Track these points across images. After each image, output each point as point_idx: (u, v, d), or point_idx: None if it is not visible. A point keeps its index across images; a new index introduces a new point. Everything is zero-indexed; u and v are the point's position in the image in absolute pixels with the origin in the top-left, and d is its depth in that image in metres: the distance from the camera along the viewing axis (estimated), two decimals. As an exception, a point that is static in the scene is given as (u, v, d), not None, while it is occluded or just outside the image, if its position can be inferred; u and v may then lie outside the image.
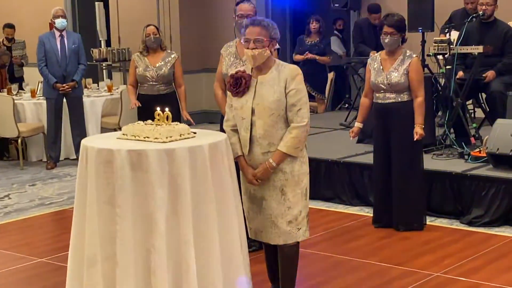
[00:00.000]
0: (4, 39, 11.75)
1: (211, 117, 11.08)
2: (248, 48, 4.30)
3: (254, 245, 4.97)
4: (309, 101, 11.06)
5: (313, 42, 10.73)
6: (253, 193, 4.42)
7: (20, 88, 10.93)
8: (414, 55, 6.30)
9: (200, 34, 12.21)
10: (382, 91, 6.29)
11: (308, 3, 12.20)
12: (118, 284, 4.08)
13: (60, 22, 9.33)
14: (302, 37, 10.86)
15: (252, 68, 4.37)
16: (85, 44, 9.96)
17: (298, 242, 4.44)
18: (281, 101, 4.26)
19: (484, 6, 8.14)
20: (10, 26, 12.11)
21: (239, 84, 4.32)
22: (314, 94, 10.71)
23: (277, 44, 4.45)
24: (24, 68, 12.07)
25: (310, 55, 10.53)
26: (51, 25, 9.61)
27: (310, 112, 10.58)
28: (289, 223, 4.34)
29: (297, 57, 10.64)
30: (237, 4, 5.84)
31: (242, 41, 4.43)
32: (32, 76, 10.89)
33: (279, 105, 4.26)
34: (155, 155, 4.05)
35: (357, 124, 6.55)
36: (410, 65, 6.19)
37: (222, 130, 5.10)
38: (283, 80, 4.28)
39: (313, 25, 10.80)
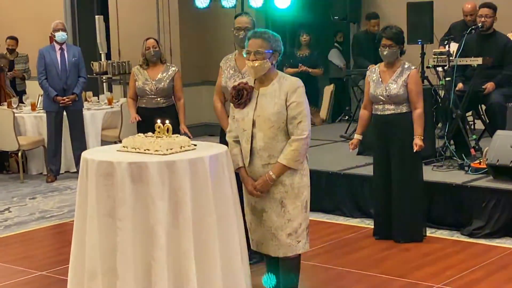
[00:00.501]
0: (6, 52, 11.75)
1: (211, 130, 11.06)
2: (249, 60, 4.31)
3: (255, 257, 4.96)
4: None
5: (304, 55, 10.75)
6: (254, 205, 4.42)
7: (21, 101, 10.94)
8: (413, 67, 6.31)
9: (200, 47, 12.24)
10: (381, 103, 6.30)
11: (308, 16, 12.21)
12: (119, 297, 4.09)
13: (60, 36, 9.34)
14: (292, 50, 10.89)
15: (254, 80, 4.38)
16: (85, 57, 9.98)
17: (299, 255, 4.43)
18: (282, 114, 4.27)
19: (483, 18, 8.17)
20: (12, 37, 12.17)
21: (240, 96, 4.33)
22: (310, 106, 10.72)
23: (279, 56, 4.45)
24: (27, 82, 12.07)
25: (304, 68, 10.54)
26: (51, 39, 9.63)
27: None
28: (289, 235, 4.33)
29: (289, 70, 10.63)
30: (236, 17, 5.87)
31: (243, 53, 4.43)
32: (34, 89, 10.89)
33: (280, 117, 4.26)
34: (156, 167, 4.05)
35: (357, 136, 6.56)
36: (409, 77, 6.20)
37: (222, 142, 5.12)
38: (284, 93, 4.28)
39: (304, 38, 10.84)
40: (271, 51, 4.32)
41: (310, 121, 4.41)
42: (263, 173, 4.29)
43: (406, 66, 6.28)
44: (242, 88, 4.35)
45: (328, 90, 11.20)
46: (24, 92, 11.87)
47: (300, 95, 4.30)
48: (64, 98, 9.25)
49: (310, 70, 10.57)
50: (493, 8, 8.28)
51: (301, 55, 10.75)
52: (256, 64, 4.28)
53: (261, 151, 4.31)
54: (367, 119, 6.50)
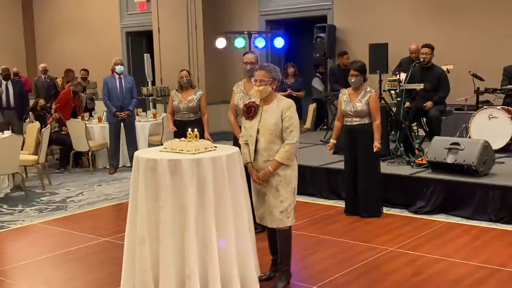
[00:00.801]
0: (81, 80, 11.79)
1: (227, 136, 11.05)
2: (255, 85, 4.35)
3: (259, 228, 4.97)
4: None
5: (290, 82, 10.72)
6: (258, 190, 4.42)
7: (90, 115, 11.00)
8: (373, 91, 6.30)
9: (219, 76, 12.24)
10: (349, 116, 6.30)
11: (297, 53, 12.23)
12: (161, 257, 4.09)
13: (119, 68, 9.37)
14: (282, 79, 10.88)
15: (260, 100, 4.40)
16: (137, 84, 10.00)
17: (289, 227, 4.42)
18: (278, 125, 4.28)
19: (424, 55, 8.18)
20: (85, 69, 12.22)
21: (250, 111, 4.36)
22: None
23: (278, 83, 4.46)
24: (95, 102, 12.09)
25: (290, 92, 10.47)
26: (113, 70, 9.64)
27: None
28: (281, 212, 4.33)
29: (280, 93, 10.57)
30: (244, 54, 5.90)
31: (252, 81, 4.45)
32: (101, 107, 10.92)
33: (277, 127, 4.28)
34: (187, 163, 4.07)
35: (332, 140, 6.56)
36: (370, 97, 6.20)
37: (234, 144, 5.13)
38: (281, 110, 4.30)
39: (290, 70, 10.82)
40: (271, 79, 4.34)
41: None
42: (264, 167, 4.30)
43: (368, 89, 6.28)
44: (251, 105, 4.38)
45: (312, 107, 11.18)
46: (93, 109, 11.89)
47: (292, 111, 4.31)
48: (122, 113, 9.28)
49: (295, 93, 10.55)
50: (431, 48, 8.29)
51: (288, 82, 10.73)
52: (261, 88, 4.31)
53: (263, 151, 4.32)
54: (339, 128, 6.50)
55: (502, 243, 5.42)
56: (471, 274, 4.67)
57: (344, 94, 6.40)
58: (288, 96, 10.36)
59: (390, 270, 4.79)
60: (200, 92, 7.47)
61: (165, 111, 11.54)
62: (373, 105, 6.19)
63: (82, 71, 12.03)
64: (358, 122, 6.27)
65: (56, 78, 12.22)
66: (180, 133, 6.60)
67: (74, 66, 13.14)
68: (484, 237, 5.60)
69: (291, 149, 4.25)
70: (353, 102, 6.27)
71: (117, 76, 9.41)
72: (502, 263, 4.88)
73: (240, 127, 5.64)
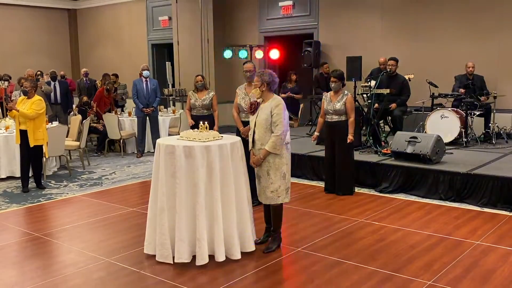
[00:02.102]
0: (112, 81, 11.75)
1: (231, 129, 11.04)
2: (254, 88, 4.36)
3: (255, 202, 4.98)
4: (290, 120, 11.01)
5: (291, 86, 10.69)
6: (256, 173, 4.41)
7: (122, 111, 10.96)
8: (349, 94, 6.29)
9: (226, 81, 12.21)
10: (330, 114, 6.29)
11: (289, 63, 12.17)
12: (177, 223, 4.11)
13: (145, 73, 9.32)
14: (285, 83, 10.84)
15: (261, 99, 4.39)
16: (160, 85, 9.96)
17: (281, 204, 4.40)
18: (268, 120, 4.25)
19: (390, 66, 8.20)
20: (115, 74, 12.15)
21: (252, 107, 4.35)
22: (292, 116, 10.73)
23: (270, 85, 4.40)
24: (126, 100, 12.04)
25: (290, 94, 10.52)
26: (140, 74, 9.61)
27: (290, 127, 10.57)
28: (271, 192, 4.32)
29: (282, 95, 10.60)
30: (244, 64, 5.89)
31: (252, 84, 4.44)
32: (130, 104, 10.91)
33: (267, 122, 4.24)
34: (199, 149, 4.07)
35: (316, 133, 6.55)
36: (346, 99, 6.19)
37: (237, 135, 5.13)
38: (271, 107, 4.26)
39: (292, 77, 10.78)
40: (260, 82, 4.30)
41: (288, 125, 4.38)
42: (258, 154, 4.31)
43: (345, 92, 6.26)
44: (253, 103, 4.36)
45: (300, 107, 11.11)
46: (124, 106, 11.87)
47: (279, 109, 4.24)
48: (147, 109, 9.26)
49: (295, 96, 10.56)
50: (396, 60, 8.30)
51: (289, 86, 10.71)
52: (257, 90, 4.32)
53: (257, 141, 4.31)
54: (322, 123, 6.49)
55: (449, 217, 5.44)
56: (424, 241, 4.68)
57: (326, 96, 6.39)
58: (287, 97, 10.42)
59: (359, 237, 4.81)
60: (212, 93, 7.43)
61: (183, 108, 11.56)
62: (349, 105, 6.18)
63: (112, 76, 11.97)
64: (337, 119, 6.26)
65: (96, 81, 12.19)
66: (195, 125, 6.59)
67: (109, 70, 13.13)
68: (435, 212, 5.61)
69: (276, 140, 4.21)
70: (333, 103, 6.25)
71: (144, 79, 9.36)
72: (449, 232, 4.91)
73: (242, 121, 5.66)
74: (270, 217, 4.52)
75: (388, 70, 8.22)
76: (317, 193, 6.55)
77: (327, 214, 5.59)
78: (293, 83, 10.74)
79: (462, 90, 8.33)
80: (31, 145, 6.67)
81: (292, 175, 7.34)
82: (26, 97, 6.73)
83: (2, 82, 10.43)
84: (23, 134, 6.64)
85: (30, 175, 7.03)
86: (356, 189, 6.57)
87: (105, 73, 11.69)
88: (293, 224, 5.26)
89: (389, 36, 10.16)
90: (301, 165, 7.50)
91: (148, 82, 9.39)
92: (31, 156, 6.82)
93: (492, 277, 3.86)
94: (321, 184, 6.86)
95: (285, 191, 4.36)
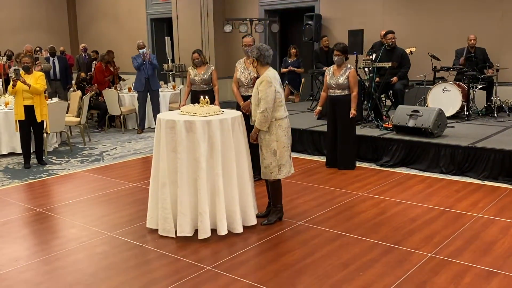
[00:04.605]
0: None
1: (232, 104, 11.01)
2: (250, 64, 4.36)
3: (257, 176, 4.98)
4: (290, 95, 10.93)
5: (292, 61, 10.60)
6: (257, 148, 4.43)
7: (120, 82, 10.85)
8: (352, 68, 6.24)
9: (225, 55, 12.11)
10: (333, 88, 6.25)
11: (289, 37, 12.05)
12: (179, 198, 4.12)
13: (141, 51, 9.14)
14: (285, 58, 10.74)
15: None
16: (159, 61, 9.87)
17: (278, 180, 4.39)
18: (256, 96, 4.21)
19: (390, 40, 8.12)
20: (110, 51, 11.87)
21: (252, 82, 4.33)
22: (293, 91, 10.67)
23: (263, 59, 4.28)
24: (125, 76, 11.92)
25: (291, 68, 10.44)
26: (138, 51, 9.49)
27: (291, 102, 10.45)
28: (265, 167, 4.32)
29: (283, 70, 10.53)
30: (243, 37, 5.84)
31: (249, 60, 4.40)
32: (131, 79, 10.83)
33: (255, 97, 4.21)
34: (200, 123, 4.06)
35: (318, 107, 6.53)
36: (349, 73, 6.14)
37: (237, 109, 5.10)
38: (259, 83, 4.21)
39: (292, 50, 10.67)
40: (253, 58, 4.25)
41: (281, 101, 4.25)
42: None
43: (348, 66, 6.21)
44: (254, 79, 4.35)
45: (302, 82, 11.04)
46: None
47: (263, 85, 4.14)
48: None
49: (296, 70, 10.47)
50: (394, 33, 8.24)
51: (290, 61, 10.60)
52: (252, 65, 4.31)
53: (253, 116, 4.31)
54: (325, 97, 6.45)
55: (450, 190, 5.45)
56: (424, 214, 4.70)
57: (329, 70, 6.33)
58: (289, 72, 10.35)
59: (360, 210, 4.83)
60: (212, 67, 7.37)
61: (183, 84, 11.50)
62: (352, 80, 6.13)
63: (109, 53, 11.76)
64: (340, 93, 6.22)
65: (93, 57, 12.03)
66: (194, 100, 6.56)
67: (107, 45, 13.04)
68: (436, 186, 5.63)
69: (260, 117, 4.16)
70: (336, 77, 6.20)
71: (141, 55, 9.25)
72: (450, 206, 4.92)
73: (242, 96, 5.62)
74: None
75: (390, 43, 8.14)
76: (318, 168, 6.55)
77: (328, 188, 5.61)
78: (293, 57, 10.65)
79: (462, 60, 8.28)
80: (39, 120, 6.70)
81: (293, 150, 7.42)
82: (27, 73, 6.67)
83: (1, 58, 10.34)
84: (28, 110, 6.63)
85: (31, 151, 7.04)
86: (357, 164, 6.57)
87: (108, 50, 11.58)
88: (294, 198, 5.27)
89: (391, 9, 10.02)
90: (302, 140, 7.49)
91: (146, 57, 9.21)
92: (34, 132, 6.82)
93: (493, 249, 3.88)
94: (322, 159, 6.86)
95: (277, 168, 4.31)
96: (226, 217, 4.17)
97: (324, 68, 7.85)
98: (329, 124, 6.47)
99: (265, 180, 4.55)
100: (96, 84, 9.97)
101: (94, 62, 11.63)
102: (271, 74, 4.21)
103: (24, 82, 6.47)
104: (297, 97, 10.69)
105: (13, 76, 6.48)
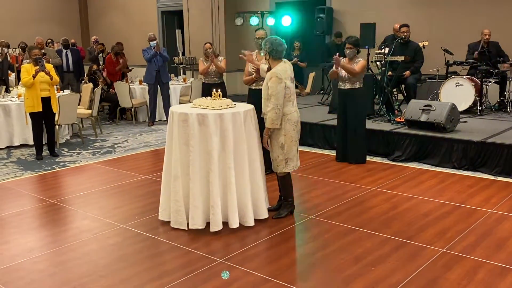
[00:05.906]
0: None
1: (242, 98, 11.04)
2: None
3: (269, 169, 4.99)
4: (295, 88, 10.95)
5: (296, 54, 10.54)
6: (269, 142, 4.44)
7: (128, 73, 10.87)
8: (363, 59, 6.18)
9: (236, 48, 12.05)
10: (343, 81, 6.21)
11: (301, 30, 11.99)
12: (191, 190, 4.13)
13: (152, 43, 9.19)
14: (289, 52, 10.71)
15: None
16: (170, 54, 9.85)
17: (287, 173, 4.37)
18: (265, 91, 4.19)
19: (404, 33, 8.04)
20: (119, 43, 11.87)
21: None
22: (297, 84, 10.65)
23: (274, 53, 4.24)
24: (135, 69, 11.94)
25: (297, 61, 10.36)
26: (149, 43, 9.51)
27: (298, 95, 10.37)
28: (273, 160, 4.33)
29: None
30: (256, 30, 5.82)
31: (261, 52, 4.38)
32: (141, 73, 10.83)
33: (265, 92, 4.19)
34: (212, 117, 4.06)
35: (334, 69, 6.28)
36: (360, 61, 6.10)
37: (248, 102, 5.09)
38: (268, 78, 4.18)
39: (296, 44, 10.63)
40: (265, 51, 4.23)
41: (293, 95, 4.23)
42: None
43: (359, 59, 6.17)
44: (267, 69, 4.33)
45: (311, 75, 11.00)
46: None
47: (273, 82, 4.11)
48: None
49: (299, 63, 10.41)
50: (408, 26, 8.15)
51: (294, 54, 10.56)
52: (264, 58, 4.30)
53: (263, 109, 4.27)
54: (336, 72, 6.26)
55: (463, 185, 5.42)
56: (437, 209, 4.68)
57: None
58: (293, 64, 10.29)
59: (372, 205, 4.82)
60: (221, 58, 7.39)
61: (193, 77, 11.51)
62: (359, 65, 6.06)
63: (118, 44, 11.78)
64: (350, 87, 6.19)
65: (100, 50, 12.04)
66: (207, 93, 6.57)
67: (118, 38, 13.05)
68: (448, 181, 5.59)
69: (271, 115, 4.13)
70: (346, 69, 6.17)
71: (152, 47, 9.27)
72: (462, 201, 4.89)
73: (251, 89, 5.60)
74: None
75: (403, 36, 8.07)
76: (329, 162, 6.54)
77: (340, 182, 5.59)
78: (298, 51, 10.60)
79: (476, 54, 8.21)
80: (55, 111, 6.85)
81: (304, 144, 7.44)
82: (35, 65, 6.68)
83: (14, 49, 10.39)
84: (45, 102, 6.68)
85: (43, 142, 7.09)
86: (368, 158, 6.55)
87: (118, 42, 11.59)
88: (305, 192, 5.26)
89: (403, 2, 9.94)
90: (313, 134, 7.47)
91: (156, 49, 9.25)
92: (46, 124, 6.88)
93: (506, 245, 3.85)
94: (333, 153, 6.84)
95: (284, 161, 4.30)
96: (237, 210, 4.18)
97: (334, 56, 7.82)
98: (340, 117, 6.44)
99: (276, 173, 4.56)
100: (105, 74, 9.98)
101: (100, 54, 11.65)
102: (281, 69, 4.18)
103: (48, 74, 6.56)
104: (302, 90, 10.65)
105: (37, 68, 6.52)
